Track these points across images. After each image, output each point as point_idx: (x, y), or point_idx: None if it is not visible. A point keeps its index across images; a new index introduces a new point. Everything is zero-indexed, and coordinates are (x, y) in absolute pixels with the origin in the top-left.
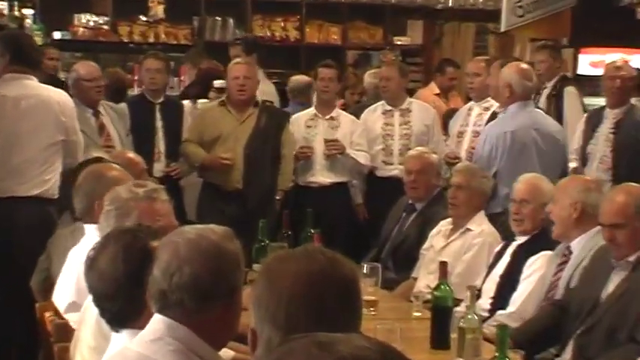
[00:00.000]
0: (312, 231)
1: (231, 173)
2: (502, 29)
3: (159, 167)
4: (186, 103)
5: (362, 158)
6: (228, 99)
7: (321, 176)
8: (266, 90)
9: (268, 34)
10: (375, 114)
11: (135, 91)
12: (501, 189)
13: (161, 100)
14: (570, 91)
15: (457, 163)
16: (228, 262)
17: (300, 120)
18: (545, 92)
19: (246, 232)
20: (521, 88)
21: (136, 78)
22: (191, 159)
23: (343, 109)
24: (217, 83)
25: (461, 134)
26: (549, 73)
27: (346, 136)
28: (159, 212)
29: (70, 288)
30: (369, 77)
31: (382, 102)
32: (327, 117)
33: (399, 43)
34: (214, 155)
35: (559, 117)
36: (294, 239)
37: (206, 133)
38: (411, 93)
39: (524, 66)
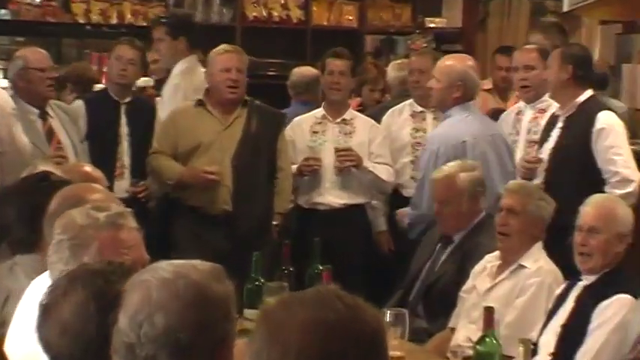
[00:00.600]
0: (321, 267)
1: (217, 192)
2: (565, 8)
3: (122, 186)
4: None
5: (384, 173)
6: (209, 98)
7: (331, 196)
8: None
9: (264, 14)
10: (401, 117)
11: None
12: None
13: (128, 99)
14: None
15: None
16: (213, 308)
17: (304, 124)
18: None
19: (235, 267)
20: (473, 86)
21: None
22: (163, 175)
23: (360, 111)
24: (142, 82)
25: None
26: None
27: (363, 144)
28: (125, 243)
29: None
30: (393, 70)
31: (410, 101)
32: (339, 120)
33: (432, 25)
34: (196, 169)
35: None
36: (297, 277)
37: (181, 142)
38: None
39: (471, 59)
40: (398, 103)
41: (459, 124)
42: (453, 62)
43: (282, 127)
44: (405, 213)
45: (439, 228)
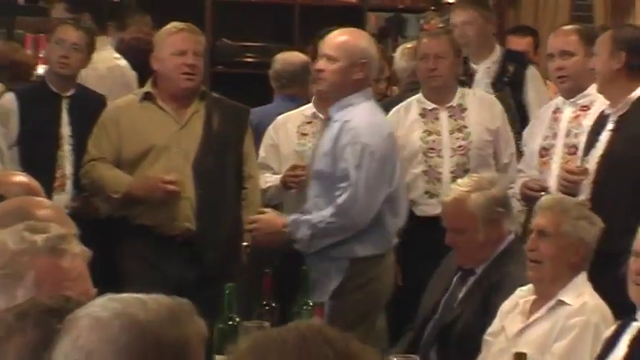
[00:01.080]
0: (311, 302)
1: (176, 207)
2: None
3: (63, 200)
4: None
5: None
6: (159, 90)
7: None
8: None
9: None
10: (409, 116)
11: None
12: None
13: (72, 92)
14: (534, 75)
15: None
16: (159, 356)
17: (289, 124)
18: (485, 74)
19: (202, 302)
20: (375, 69)
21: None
22: (107, 187)
23: None
24: None
25: (546, 151)
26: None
27: None
28: (68, 274)
29: None
30: (403, 56)
31: (418, 96)
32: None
33: (450, 1)
34: (150, 178)
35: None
36: (282, 315)
37: (126, 146)
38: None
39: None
40: (408, 97)
41: (378, 112)
42: (350, 37)
43: (247, 124)
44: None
45: (455, 260)
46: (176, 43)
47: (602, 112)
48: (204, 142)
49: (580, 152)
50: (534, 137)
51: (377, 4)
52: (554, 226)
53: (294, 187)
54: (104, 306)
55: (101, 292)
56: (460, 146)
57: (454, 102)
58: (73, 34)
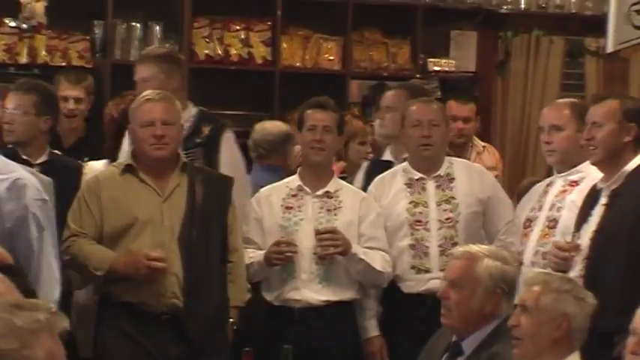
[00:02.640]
0: None
1: (164, 283)
2: (609, 49)
3: None
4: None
5: (378, 261)
6: (138, 161)
7: (310, 291)
8: None
9: (220, 52)
10: (393, 185)
11: None
12: None
13: (42, 159)
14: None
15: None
16: None
17: (274, 197)
18: None
19: None
20: None
21: None
22: (90, 264)
23: (343, 178)
24: None
25: (529, 222)
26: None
27: (352, 224)
28: (61, 352)
29: None
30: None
31: (404, 165)
32: (320, 192)
33: (436, 69)
34: (135, 254)
35: None
36: None
37: (108, 220)
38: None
39: None
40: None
41: None
42: None
43: (231, 195)
44: None
45: (442, 318)
46: (144, 113)
47: (595, 186)
48: (188, 216)
49: (559, 227)
50: (524, 209)
51: (360, 72)
52: (534, 300)
53: (278, 263)
54: None
55: None
56: (448, 218)
57: (442, 171)
58: (13, 99)
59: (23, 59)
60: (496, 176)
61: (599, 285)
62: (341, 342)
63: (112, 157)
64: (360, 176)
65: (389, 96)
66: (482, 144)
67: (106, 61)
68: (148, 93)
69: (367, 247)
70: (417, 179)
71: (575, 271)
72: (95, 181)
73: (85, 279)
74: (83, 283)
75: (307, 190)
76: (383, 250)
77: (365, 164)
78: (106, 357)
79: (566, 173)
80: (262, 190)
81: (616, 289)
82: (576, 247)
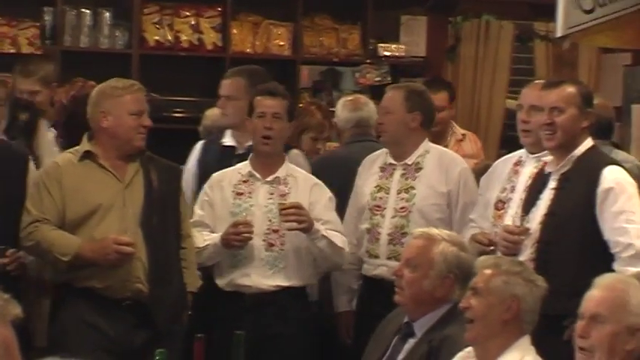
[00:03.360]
0: None
1: (129, 268)
2: (558, 33)
3: None
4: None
5: (338, 239)
6: (101, 148)
7: (261, 277)
8: None
9: (170, 38)
10: (372, 168)
11: None
12: None
13: None
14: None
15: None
16: None
17: (225, 182)
18: None
19: None
20: None
21: None
22: (55, 250)
23: None
24: None
25: (502, 204)
26: None
27: None
28: (13, 341)
29: None
30: (345, 109)
31: (387, 151)
32: (270, 178)
33: (387, 54)
34: (104, 240)
35: None
36: None
37: (71, 206)
38: None
39: None
40: (357, 150)
41: None
42: None
43: (181, 183)
44: None
45: (395, 296)
46: (136, 102)
47: (542, 169)
48: (147, 202)
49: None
50: (491, 187)
51: (310, 58)
52: (484, 282)
53: (236, 245)
54: None
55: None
56: (402, 207)
57: (410, 160)
58: None
59: None
60: (476, 164)
61: (551, 269)
62: (292, 328)
63: (61, 143)
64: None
65: (227, 85)
66: (462, 132)
67: (55, 47)
68: (127, 81)
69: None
70: (389, 164)
71: (525, 255)
72: (55, 167)
73: (53, 266)
74: (39, 268)
75: (258, 176)
76: (340, 232)
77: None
78: (65, 345)
79: (539, 154)
80: (214, 174)
81: (567, 272)
82: (525, 231)
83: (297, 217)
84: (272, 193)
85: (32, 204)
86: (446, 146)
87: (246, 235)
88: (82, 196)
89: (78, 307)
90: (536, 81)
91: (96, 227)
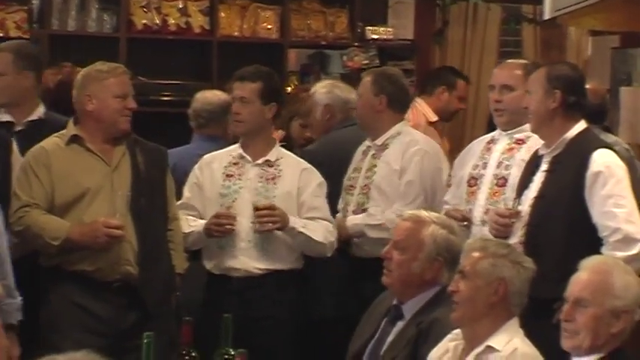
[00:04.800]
0: (232, 352)
1: (118, 251)
2: (546, 15)
3: None
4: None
5: (319, 232)
6: (87, 132)
7: (248, 259)
8: None
9: (157, 21)
10: (359, 150)
11: None
12: None
13: None
14: None
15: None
16: None
17: (215, 164)
18: None
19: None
20: None
21: None
22: (45, 234)
23: (285, 147)
24: None
25: (474, 180)
26: None
27: (290, 195)
28: None
29: None
30: (345, 91)
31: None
32: (260, 161)
33: (375, 37)
34: (93, 223)
35: None
36: None
37: (60, 190)
38: None
39: None
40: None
41: None
42: None
43: (167, 165)
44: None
45: (384, 277)
46: (120, 85)
47: (536, 152)
48: (135, 184)
49: (509, 184)
50: (464, 166)
51: (298, 41)
52: (471, 265)
53: (217, 236)
54: None
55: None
56: (365, 185)
57: (380, 141)
58: None
59: None
60: None
61: (540, 252)
62: (279, 312)
63: None
64: None
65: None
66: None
67: (43, 31)
68: (111, 65)
69: (309, 217)
70: (367, 146)
71: (516, 238)
72: (42, 152)
73: (43, 250)
74: (23, 251)
75: (248, 158)
76: (324, 220)
77: None
78: (56, 328)
79: (512, 131)
80: (205, 156)
81: (555, 256)
82: (516, 214)
83: (269, 218)
84: (262, 176)
85: (21, 189)
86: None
87: (228, 227)
88: (71, 180)
89: (68, 290)
90: (509, 60)
91: (85, 211)
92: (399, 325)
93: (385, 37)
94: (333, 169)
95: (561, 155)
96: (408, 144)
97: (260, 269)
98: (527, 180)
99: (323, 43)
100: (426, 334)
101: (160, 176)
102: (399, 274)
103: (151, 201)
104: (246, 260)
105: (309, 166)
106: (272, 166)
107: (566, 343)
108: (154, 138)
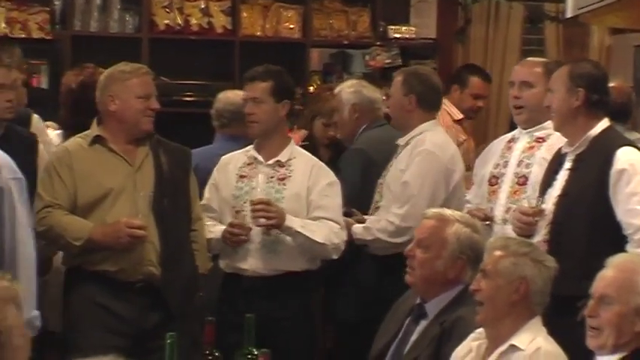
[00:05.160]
0: (256, 351)
1: (141, 251)
2: (568, 14)
3: None
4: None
5: (321, 232)
6: (109, 132)
7: (257, 261)
8: None
9: (179, 21)
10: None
11: None
12: None
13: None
14: None
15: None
16: None
17: (231, 164)
18: None
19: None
20: None
21: None
22: (67, 234)
23: (305, 147)
24: None
25: (495, 179)
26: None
27: (299, 196)
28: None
29: None
30: (376, 91)
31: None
32: (272, 162)
33: (397, 36)
34: (115, 224)
35: None
36: None
37: (82, 191)
38: None
39: None
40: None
41: None
42: None
43: (191, 165)
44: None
45: (407, 276)
46: (143, 86)
47: (560, 150)
48: (158, 185)
49: (530, 183)
50: (485, 165)
51: (320, 40)
52: (493, 264)
53: (232, 245)
54: None
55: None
56: (380, 183)
57: (403, 141)
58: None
59: None
60: None
61: (563, 250)
62: (289, 313)
63: (66, 127)
64: None
65: None
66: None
67: (65, 32)
68: (134, 65)
69: (315, 217)
70: (396, 145)
71: (540, 236)
72: (65, 152)
73: (65, 251)
74: (64, 256)
75: (260, 159)
76: (331, 220)
77: None
78: (79, 328)
79: (532, 129)
80: (224, 157)
81: (579, 253)
82: (540, 212)
83: (264, 213)
84: (272, 177)
85: (44, 189)
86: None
87: (242, 237)
88: (93, 181)
89: (90, 290)
90: (529, 58)
91: (108, 211)
92: (423, 324)
93: (407, 36)
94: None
95: (585, 153)
96: (416, 144)
97: (269, 270)
98: (550, 178)
99: (345, 42)
100: (449, 333)
101: (184, 177)
102: (422, 273)
103: (174, 201)
104: (255, 262)
105: (321, 164)
106: (283, 166)
107: (591, 343)
108: (176, 138)
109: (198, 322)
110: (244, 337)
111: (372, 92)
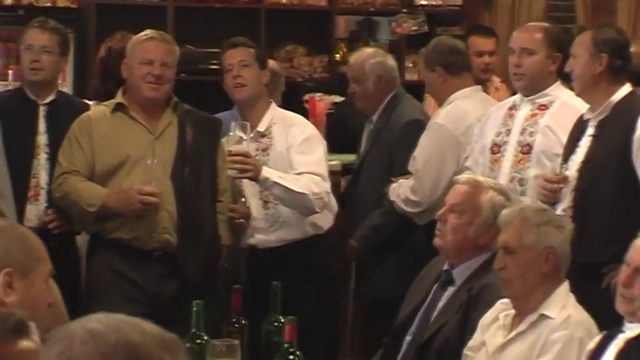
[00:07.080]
0: (282, 319)
1: (156, 219)
2: None
3: (34, 212)
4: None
5: (300, 183)
6: (130, 100)
7: (262, 235)
8: None
9: None
10: None
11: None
12: None
13: (50, 98)
14: None
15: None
16: None
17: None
18: None
19: (180, 319)
20: None
21: None
22: (82, 200)
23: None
24: None
25: (498, 147)
26: None
27: (281, 155)
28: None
29: None
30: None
31: None
32: (253, 133)
33: (423, 3)
34: (128, 190)
35: None
36: (253, 332)
37: (101, 158)
38: None
39: None
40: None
41: None
42: None
43: (220, 136)
44: None
45: (436, 239)
46: (144, 51)
47: (582, 116)
48: (179, 154)
49: (534, 152)
50: (486, 133)
51: (346, 8)
52: (516, 240)
53: (236, 229)
54: (100, 321)
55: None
56: None
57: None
58: (42, 37)
59: (8, 0)
60: None
61: (587, 216)
62: (305, 280)
63: (97, 96)
64: None
65: None
66: (499, 80)
67: (91, 1)
68: (149, 31)
69: (296, 174)
70: None
71: (565, 203)
72: (86, 120)
73: (78, 217)
74: (80, 223)
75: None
76: (312, 173)
77: None
78: (96, 294)
79: (533, 97)
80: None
81: (603, 220)
82: (564, 179)
83: (240, 165)
84: (257, 149)
85: (63, 156)
86: (488, 94)
87: (243, 223)
88: (112, 147)
89: (107, 257)
90: (529, 23)
91: (125, 179)
92: (450, 290)
93: (434, 2)
94: None
95: (607, 119)
96: (433, 117)
97: (276, 241)
98: (573, 145)
99: (371, 9)
100: (475, 300)
101: (210, 147)
102: (454, 238)
103: (197, 171)
104: (261, 236)
105: (298, 121)
106: (264, 135)
107: (621, 307)
108: (202, 106)
109: (224, 290)
110: (271, 304)
111: (393, 62)
